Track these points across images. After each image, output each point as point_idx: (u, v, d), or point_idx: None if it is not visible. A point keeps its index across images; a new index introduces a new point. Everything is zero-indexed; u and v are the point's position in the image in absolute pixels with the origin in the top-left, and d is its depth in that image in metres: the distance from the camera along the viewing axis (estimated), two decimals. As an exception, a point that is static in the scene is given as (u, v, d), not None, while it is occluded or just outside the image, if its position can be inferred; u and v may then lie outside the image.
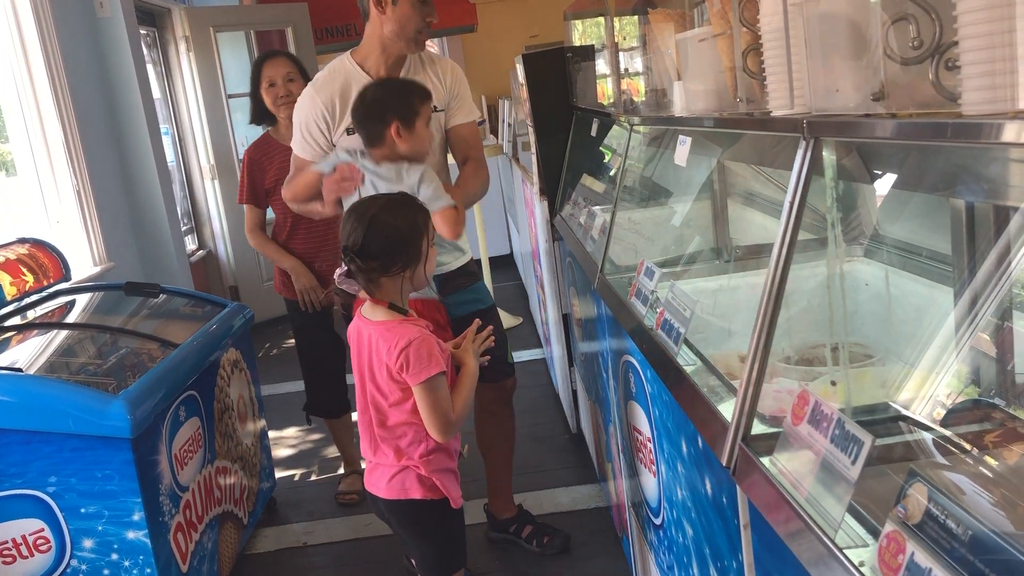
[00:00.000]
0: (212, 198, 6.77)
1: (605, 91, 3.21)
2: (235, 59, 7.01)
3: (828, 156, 1.23)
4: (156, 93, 6.14)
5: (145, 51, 5.79)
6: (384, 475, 2.16)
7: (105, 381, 2.90)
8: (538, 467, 3.84)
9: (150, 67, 6.07)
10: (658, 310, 1.87)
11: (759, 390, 1.28)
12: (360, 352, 2.14)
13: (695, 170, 2.54)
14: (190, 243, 6.57)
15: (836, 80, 1.11)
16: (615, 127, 3.22)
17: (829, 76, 1.13)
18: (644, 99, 2.66)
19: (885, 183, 1.21)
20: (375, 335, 2.07)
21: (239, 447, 3.40)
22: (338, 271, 2.08)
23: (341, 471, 4.00)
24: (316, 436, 4.65)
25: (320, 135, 2.77)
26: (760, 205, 2.69)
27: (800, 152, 1.25)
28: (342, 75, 2.79)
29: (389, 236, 2.03)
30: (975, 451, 1.29)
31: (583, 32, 3.93)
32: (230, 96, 6.77)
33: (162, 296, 3.70)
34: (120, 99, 5.07)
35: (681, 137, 1.87)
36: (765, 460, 1.19)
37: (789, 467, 1.13)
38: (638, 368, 2.08)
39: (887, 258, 2.27)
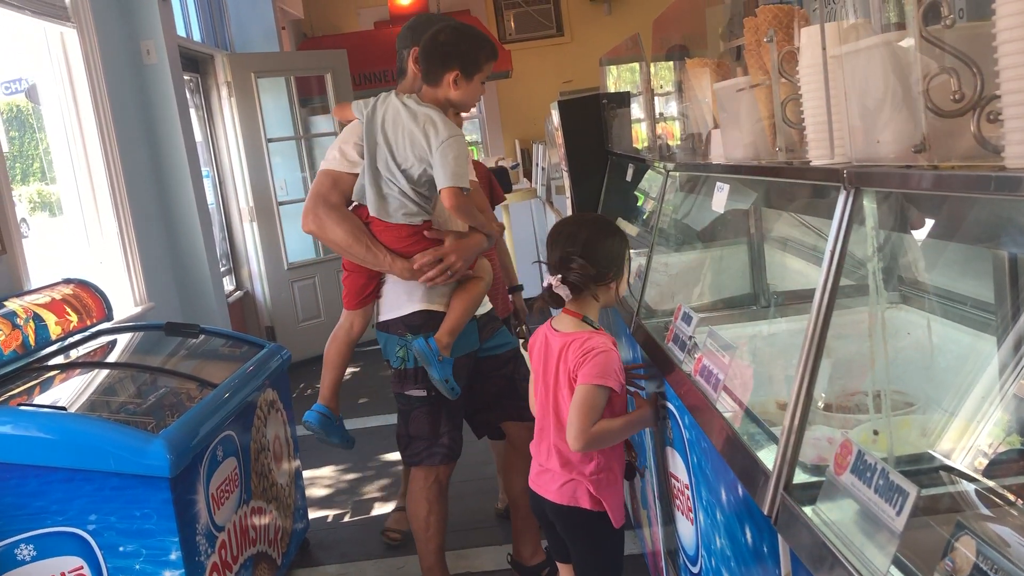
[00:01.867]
0: (250, 240, 6.88)
1: (640, 136, 3.24)
2: (275, 104, 7.16)
3: (868, 205, 1.24)
4: (198, 136, 6.28)
5: (188, 96, 5.94)
6: (554, 480, 2.24)
7: (145, 420, 2.94)
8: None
9: (193, 111, 6.22)
10: (696, 356, 1.87)
11: (801, 438, 1.27)
12: (547, 360, 2.25)
13: (731, 216, 2.54)
14: (228, 284, 6.67)
15: (877, 131, 1.12)
16: (650, 172, 3.24)
17: (869, 127, 1.14)
18: (680, 144, 2.69)
19: (924, 232, 1.21)
20: (567, 342, 2.18)
21: (274, 487, 3.42)
22: (550, 278, 2.22)
23: (393, 505, 3.97)
24: (351, 476, 4.66)
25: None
26: (797, 251, 2.69)
27: (841, 202, 1.26)
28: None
29: (604, 247, 2.21)
30: (1020, 502, 1.28)
31: (618, 77, 3.98)
32: (270, 140, 6.91)
33: (201, 336, 3.76)
34: (164, 143, 5.20)
35: (719, 184, 1.89)
36: (807, 509, 1.19)
37: (832, 517, 1.13)
38: (675, 414, 2.07)
39: (927, 305, 2.25)
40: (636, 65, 4.51)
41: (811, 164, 1.36)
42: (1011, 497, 1.30)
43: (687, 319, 2.05)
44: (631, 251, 3.18)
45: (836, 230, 1.27)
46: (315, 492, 4.47)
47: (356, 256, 2.72)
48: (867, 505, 1.02)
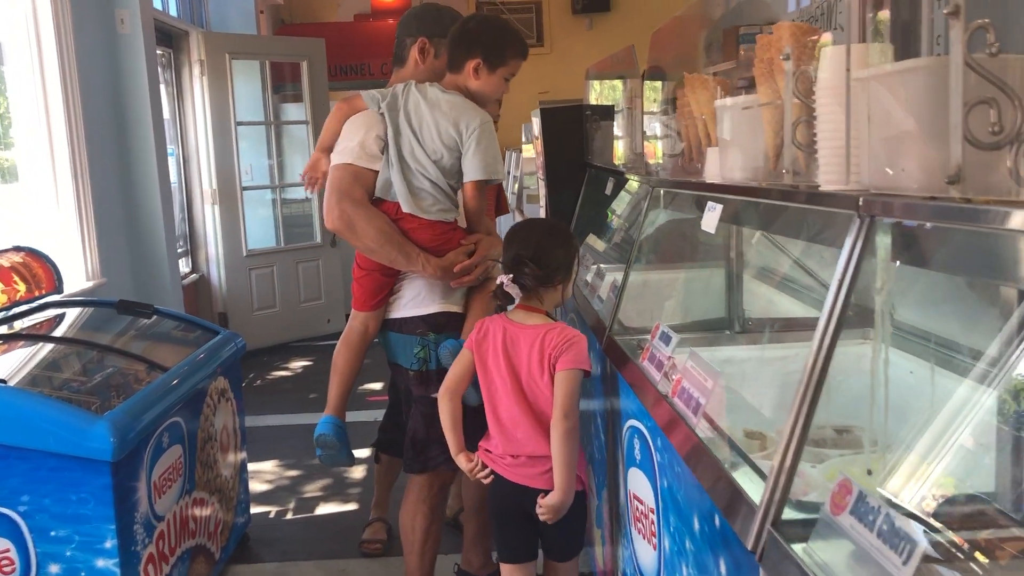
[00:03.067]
0: (211, 223, 6.72)
1: (617, 152, 3.19)
2: (247, 87, 7.02)
3: (882, 235, 1.19)
4: (166, 113, 6.13)
5: (159, 71, 5.78)
6: (538, 467, 2.29)
7: (89, 400, 2.82)
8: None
9: (162, 87, 6.06)
10: (674, 377, 1.82)
11: (793, 473, 1.22)
12: (514, 354, 2.30)
13: (713, 237, 2.50)
14: (183, 266, 6.50)
15: (901, 159, 1.07)
16: (631, 187, 3.20)
17: (893, 154, 1.09)
18: (661, 162, 2.64)
19: (941, 266, 1.16)
20: (540, 333, 2.26)
21: (218, 479, 3.30)
22: (503, 277, 2.29)
23: (339, 507, 3.85)
24: (295, 472, 4.54)
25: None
26: (774, 278, 2.66)
27: (853, 230, 1.21)
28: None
29: (554, 253, 2.31)
30: (967, 547, 1.24)
31: (600, 93, 3.94)
32: (239, 123, 6.76)
33: (154, 317, 3.62)
34: (131, 116, 5.05)
35: (711, 204, 1.84)
36: (797, 547, 1.13)
37: (824, 558, 1.07)
38: (646, 435, 2.01)
39: (903, 343, 2.23)
40: (618, 81, 4.48)
41: (820, 189, 1.31)
42: (958, 540, 1.26)
43: (666, 339, 2.00)
44: (602, 265, 3.14)
45: (846, 259, 1.22)
46: (258, 486, 4.34)
47: (386, 256, 2.57)
48: (868, 550, 0.97)
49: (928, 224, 1.05)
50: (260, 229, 7.16)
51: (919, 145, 1.04)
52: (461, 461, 2.43)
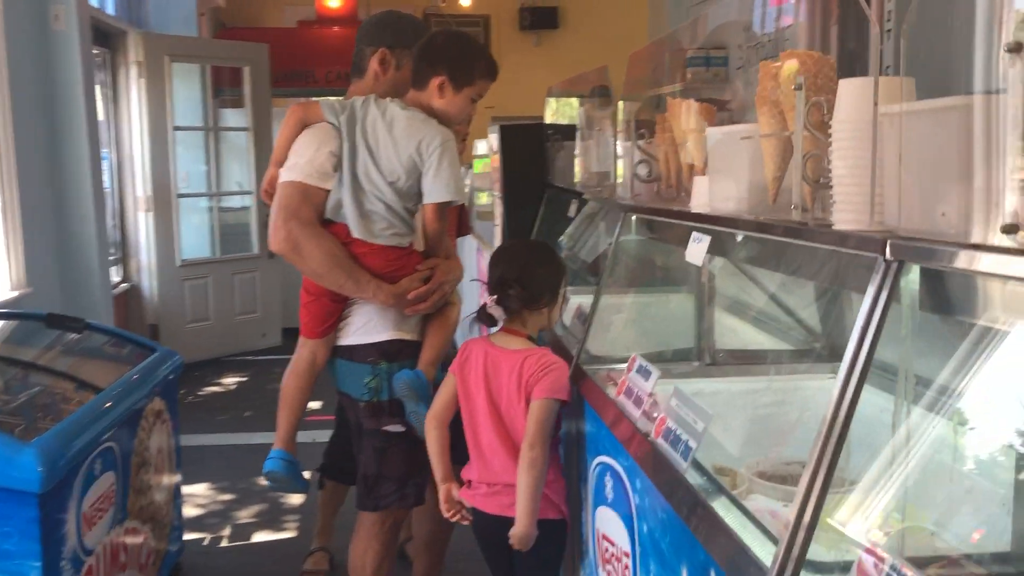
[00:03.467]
0: (143, 231, 6.46)
1: (583, 172, 3.12)
2: (186, 91, 6.79)
3: (907, 281, 1.12)
4: (100, 116, 5.87)
5: (94, 71, 5.54)
6: (512, 496, 2.21)
7: (12, 422, 2.61)
8: (469, 554, 3.62)
9: (97, 88, 5.80)
10: (658, 416, 1.73)
11: (811, 534, 1.13)
12: (494, 378, 2.25)
13: (685, 266, 2.43)
14: (114, 275, 6.22)
15: (939, 203, 1.00)
16: (594, 210, 3.12)
17: (930, 197, 1.02)
18: (625, 184, 2.55)
19: (975, 317, 1.09)
20: (521, 358, 2.22)
21: (151, 506, 3.10)
22: (487, 299, 2.26)
23: (273, 534, 3.66)
24: (229, 496, 4.34)
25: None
26: (744, 311, 2.60)
27: (878, 274, 1.13)
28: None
29: (540, 274, 2.29)
30: None
31: (556, 111, 3.86)
32: (177, 128, 6.53)
33: (86, 332, 3.41)
34: (64, 117, 4.80)
35: (696, 234, 1.76)
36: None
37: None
38: (621, 475, 1.92)
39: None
40: (574, 100, 4.41)
41: (835, 227, 1.23)
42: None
43: (644, 373, 1.91)
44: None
45: (870, 305, 1.14)
46: (191, 511, 4.13)
47: (334, 282, 2.41)
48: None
49: (973, 274, 0.97)
50: (195, 238, 6.91)
51: (962, 189, 0.96)
52: (443, 492, 2.35)
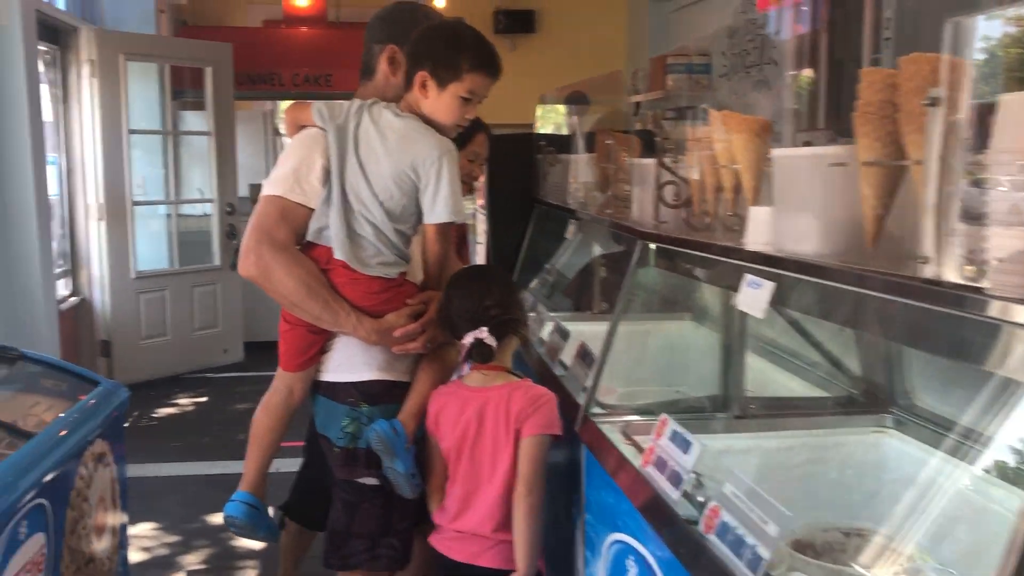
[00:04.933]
0: (95, 241, 6.04)
1: (583, 191, 2.79)
2: (143, 93, 6.38)
3: None
4: (48, 116, 5.45)
5: (43, 69, 5.13)
6: (485, 543, 2.10)
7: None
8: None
9: (46, 88, 5.39)
10: (709, 506, 1.40)
11: None
12: (475, 422, 2.09)
13: (713, 305, 2.12)
14: (62, 288, 5.80)
15: None
16: (597, 233, 2.79)
17: None
18: (653, 209, 2.19)
19: None
20: (504, 394, 2.08)
21: (91, 564, 2.72)
22: (477, 332, 2.07)
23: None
24: (177, 537, 3.94)
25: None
26: (779, 355, 2.29)
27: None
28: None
29: (515, 296, 2.19)
30: None
31: (544, 119, 3.54)
32: (132, 131, 6.12)
33: (19, 363, 3.02)
34: (3, 118, 4.39)
35: (752, 279, 1.44)
36: None
37: None
38: (650, 562, 1.59)
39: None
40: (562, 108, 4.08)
41: (989, 292, 0.92)
42: None
43: (682, 444, 1.58)
44: (563, 321, 2.73)
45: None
46: (136, 555, 3.73)
47: (308, 312, 2.10)
48: None
49: None
50: (152, 249, 6.50)
51: None
52: None
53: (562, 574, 2.24)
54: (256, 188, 7.72)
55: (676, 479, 1.54)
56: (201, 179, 6.86)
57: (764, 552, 1.22)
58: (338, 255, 2.07)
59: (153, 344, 6.36)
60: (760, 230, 1.44)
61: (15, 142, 4.42)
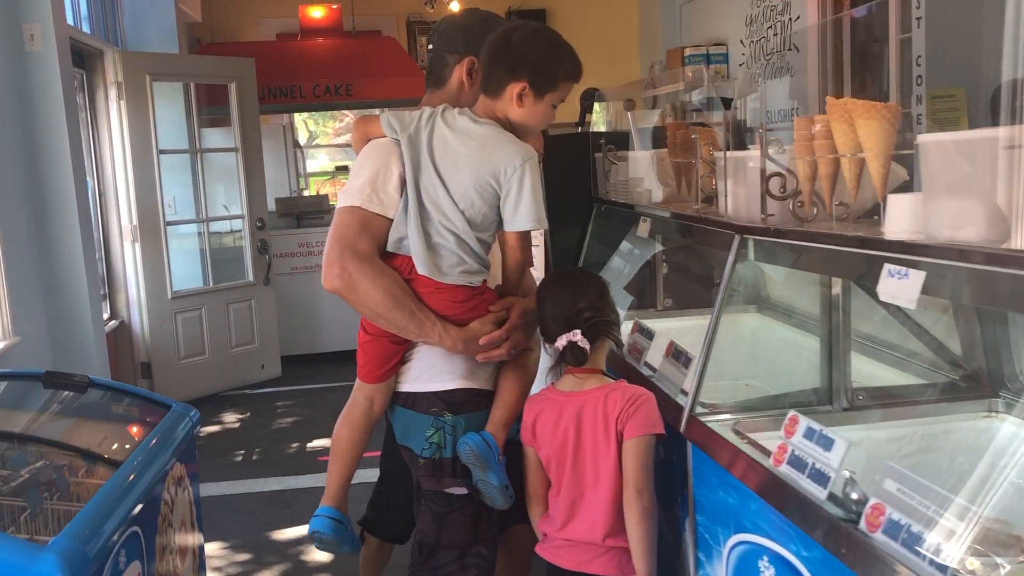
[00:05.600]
0: (131, 263, 6.03)
1: (652, 187, 2.76)
2: (170, 112, 6.37)
3: None
4: (80, 142, 5.44)
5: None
6: (596, 550, 2.08)
7: (13, 503, 2.22)
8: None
9: (76, 112, 5.37)
10: (870, 503, 1.36)
11: None
12: (574, 428, 2.07)
13: (811, 298, 2.08)
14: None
15: None
16: (655, 229, 2.76)
17: None
18: (761, 202, 2.12)
19: None
20: (600, 397, 2.05)
21: (177, 589, 2.71)
22: (570, 336, 2.06)
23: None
24: (244, 556, 3.93)
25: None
26: (882, 345, 2.26)
27: None
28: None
29: (608, 297, 2.16)
30: None
31: (601, 115, 3.51)
32: (162, 152, 6.11)
33: (89, 390, 3.00)
34: (45, 146, 4.38)
35: (895, 268, 1.40)
36: None
37: None
38: (795, 565, 1.56)
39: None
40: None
41: None
42: None
43: (823, 441, 1.54)
44: (644, 321, 2.69)
45: None
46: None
47: (394, 324, 2.08)
48: None
49: None
50: (185, 268, 6.49)
51: None
52: None
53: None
54: (283, 202, 7.72)
55: (821, 479, 1.51)
56: (226, 195, 6.85)
57: (940, 540, 1.19)
58: (420, 269, 2.05)
59: (192, 363, 6.35)
60: (901, 218, 1.40)
61: (57, 169, 4.41)
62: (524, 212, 2.03)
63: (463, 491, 2.17)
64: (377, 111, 8.59)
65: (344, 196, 2.10)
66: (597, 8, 9.67)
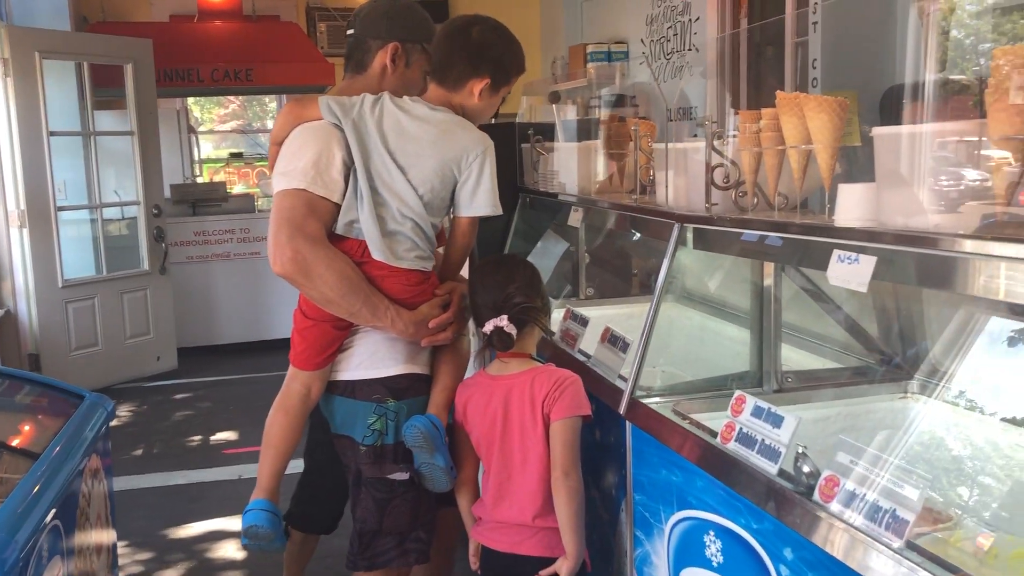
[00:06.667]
0: (18, 249, 5.74)
1: (589, 177, 2.81)
2: (61, 92, 6.08)
3: None
4: (-37, 120, 5.14)
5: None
6: (526, 532, 2.09)
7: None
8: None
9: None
10: (824, 475, 1.44)
11: None
12: (501, 409, 2.09)
13: (747, 283, 2.17)
14: (-15, 301, 5.50)
15: None
16: (597, 219, 2.82)
17: None
18: (704, 192, 2.19)
19: None
20: (527, 380, 2.07)
21: (94, 586, 2.61)
22: (497, 321, 2.07)
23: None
24: (146, 555, 3.79)
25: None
26: (809, 328, 2.36)
27: None
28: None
29: (538, 283, 2.17)
30: None
31: (530, 109, 3.55)
32: (52, 133, 5.82)
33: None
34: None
35: (842, 253, 1.48)
36: None
37: None
38: (748, 540, 1.62)
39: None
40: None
41: None
42: None
43: (771, 418, 1.61)
44: (576, 308, 2.74)
45: None
46: (116, 574, 3.58)
47: (346, 308, 2.05)
48: None
49: None
50: (76, 256, 6.21)
51: None
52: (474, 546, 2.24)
53: (605, 558, 2.25)
54: (178, 189, 7.47)
55: (772, 454, 1.58)
56: (117, 181, 6.58)
57: (904, 513, 1.27)
58: (376, 255, 2.05)
59: (84, 355, 6.09)
60: (852, 206, 1.48)
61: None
62: (482, 198, 2.08)
63: (405, 476, 2.17)
64: (286, 97, 8.36)
65: (284, 179, 2.06)
66: (498, 2, 9.70)
